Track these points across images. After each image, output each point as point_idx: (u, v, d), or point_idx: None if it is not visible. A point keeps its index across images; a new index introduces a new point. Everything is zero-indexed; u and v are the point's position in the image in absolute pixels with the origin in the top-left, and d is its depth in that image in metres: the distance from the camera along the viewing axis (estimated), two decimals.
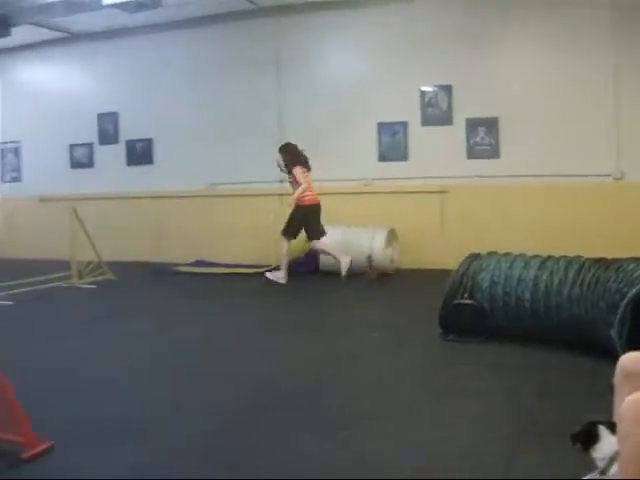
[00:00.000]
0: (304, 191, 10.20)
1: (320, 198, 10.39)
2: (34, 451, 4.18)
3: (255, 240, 11.85)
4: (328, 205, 10.67)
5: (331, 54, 11.78)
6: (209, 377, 5.82)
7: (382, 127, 11.37)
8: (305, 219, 10.31)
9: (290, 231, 10.36)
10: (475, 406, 4.80)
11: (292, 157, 10.43)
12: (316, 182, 10.64)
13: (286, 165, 10.48)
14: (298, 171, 10.26)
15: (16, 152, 15.12)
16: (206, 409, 4.97)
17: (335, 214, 10.84)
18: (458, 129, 10.92)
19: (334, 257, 10.38)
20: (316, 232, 10.37)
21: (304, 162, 10.42)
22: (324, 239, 10.41)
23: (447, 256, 9.30)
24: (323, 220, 10.48)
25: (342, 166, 11.44)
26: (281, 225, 10.46)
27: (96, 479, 3.89)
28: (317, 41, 11.78)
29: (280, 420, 4.70)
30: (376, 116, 11.34)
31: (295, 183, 10.32)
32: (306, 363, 6.11)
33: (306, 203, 10.24)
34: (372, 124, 11.39)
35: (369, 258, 10.32)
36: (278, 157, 10.56)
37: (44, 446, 4.24)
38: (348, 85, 11.45)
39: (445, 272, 7.23)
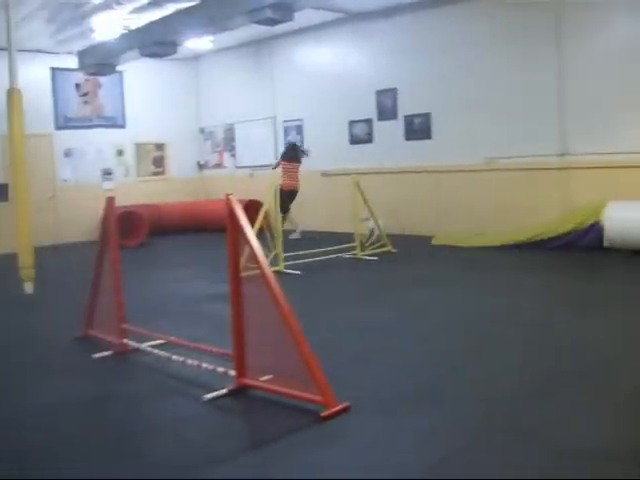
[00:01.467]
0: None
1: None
2: (332, 410, 4.42)
3: (532, 215, 11.58)
4: (613, 179, 10.29)
5: (614, 19, 11.07)
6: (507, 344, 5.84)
7: None
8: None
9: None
10: None
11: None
12: (602, 155, 10.23)
13: None
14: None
15: (299, 129, 15.89)
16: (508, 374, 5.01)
17: (621, 188, 10.38)
18: None
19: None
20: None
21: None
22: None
23: None
24: (593, 195, 10.15)
25: (628, 138, 10.83)
26: (566, 201, 10.13)
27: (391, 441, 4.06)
28: (599, 9, 11.19)
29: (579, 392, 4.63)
30: None
31: None
32: (595, 341, 5.95)
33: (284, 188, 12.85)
34: None
35: None
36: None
37: (341, 406, 4.47)
38: (632, 58, 10.77)
39: None
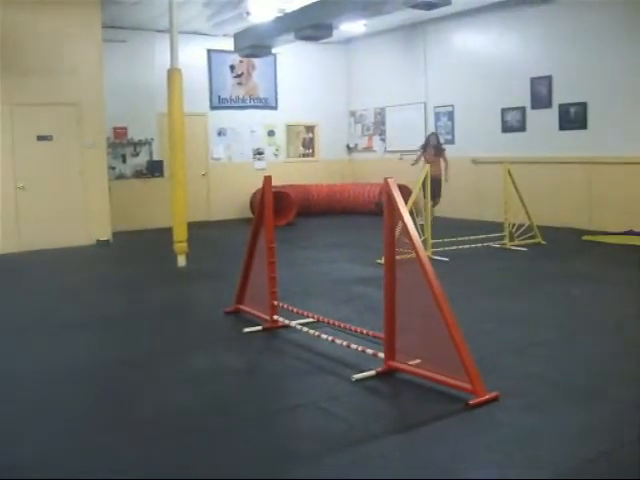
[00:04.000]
0: None
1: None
2: (480, 399, 4.41)
3: None
4: None
5: None
6: None
7: None
8: None
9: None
10: None
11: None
12: None
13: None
14: None
15: (450, 116, 15.75)
16: None
17: None
18: None
19: None
20: None
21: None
22: None
23: None
24: None
25: None
26: None
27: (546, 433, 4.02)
28: None
29: None
30: None
31: None
32: None
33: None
34: None
35: None
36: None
37: (490, 396, 4.46)
38: None
39: None
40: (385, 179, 4.86)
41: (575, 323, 6.51)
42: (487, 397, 4.44)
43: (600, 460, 3.69)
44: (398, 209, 4.80)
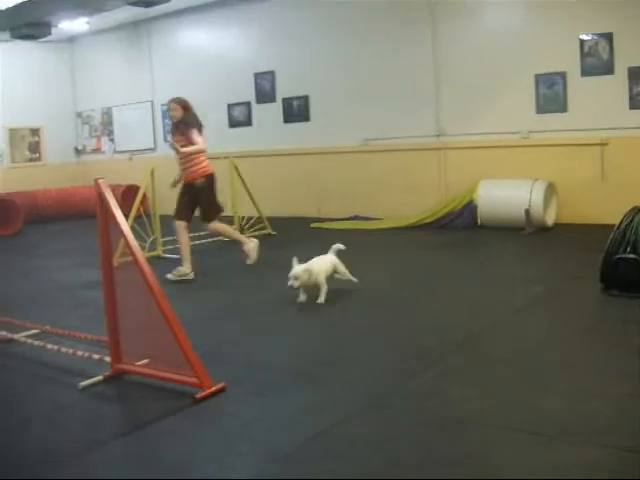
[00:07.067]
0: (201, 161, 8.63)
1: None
2: (207, 392, 4.49)
3: (410, 195, 11.87)
4: (485, 158, 10.71)
5: (487, 3, 11.46)
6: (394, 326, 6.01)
7: (540, 79, 11.05)
8: (202, 193, 8.65)
9: (215, 209, 8.83)
10: None
11: (194, 119, 8.65)
12: (475, 136, 10.70)
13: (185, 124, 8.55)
14: (197, 134, 8.53)
15: None
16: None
17: (493, 168, 10.83)
18: (620, 79, 10.49)
19: (238, 240, 9.14)
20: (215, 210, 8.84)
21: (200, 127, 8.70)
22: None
23: (608, 210, 9.08)
24: (468, 175, 10.53)
25: (499, 119, 11.24)
26: (442, 181, 10.39)
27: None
28: None
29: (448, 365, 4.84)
30: (533, 68, 11.04)
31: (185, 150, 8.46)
32: (468, 314, 6.20)
33: (210, 171, 8.66)
34: (529, 76, 11.09)
35: (527, 212, 10.19)
36: (176, 110, 8.63)
37: (217, 387, 4.55)
38: (504, 36, 11.16)
39: (606, 227, 7.09)
40: (96, 180, 4.77)
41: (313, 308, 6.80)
42: (214, 389, 4.51)
43: (321, 436, 3.88)
44: (111, 211, 4.74)
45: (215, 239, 10.63)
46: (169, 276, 8.35)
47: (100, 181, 4.75)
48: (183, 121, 8.54)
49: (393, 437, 3.82)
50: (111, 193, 4.76)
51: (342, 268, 7.19)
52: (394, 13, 12.10)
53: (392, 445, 3.72)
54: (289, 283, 6.62)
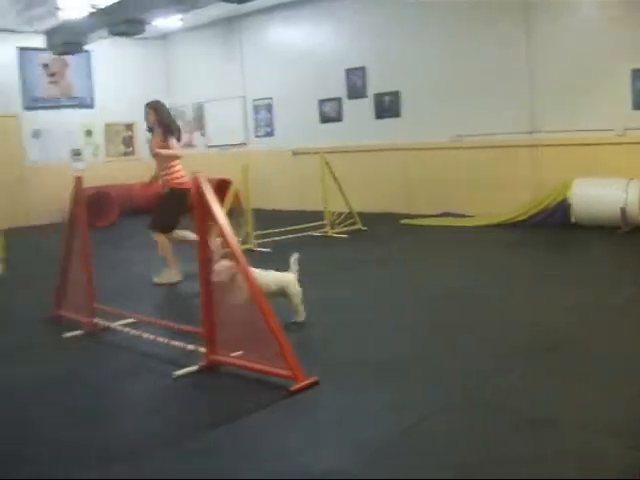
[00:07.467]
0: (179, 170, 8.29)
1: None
2: (300, 385, 4.52)
3: (501, 192, 11.70)
4: (579, 156, 10.50)
5: (582, 1, 11.19)
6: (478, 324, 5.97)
7: (637, 74, 10.73)
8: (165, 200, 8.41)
9: (164, 222, 8.34)
10: None
11: (169, 121, 8.40)
12: (569, 133, 10.46)
13: (153, 128, 8.42)
14: (175, 144, 8.28)
15: (269, 108, 15.89)
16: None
17: (586, 165, 10.56)
18: None
19: (168, 261, 8.40)
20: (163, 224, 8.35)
21: (177, 132, 8.46)
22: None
23: None
24: (561, 172, 10.46)
25: (594, 116, 10.96)
26: (534, 178, 10.15)
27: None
28: None
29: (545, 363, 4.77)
30: (630, 63, 10.72)
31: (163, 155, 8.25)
32: (561, 314, 6.08)
33: (185, 186, 7.87)
34: (626, 71, 10.78)
35: (623, 210, 9.92)
36: (150, 114, 8.41)
37: (309, 381, 4.57)
38: (599, 31, 10.87)
39: None
40: (194, 174, 4.85)
41: (398, 304, 6.78)
42: (307, 382, 4.53)
43: (404, 433, 3.88)
44: (209, 206, 4.81)
45: (301, 235, 10.72)
46: (156, 280, 8.26)
47: (198, 176, 4.83)
48: (158, 124, 8.33)
49: (475, 435, 3.80)
50: (210, 188, 4.83)
51: (293, 290, 6.04)
52: (488, 11, 11.91)
53: (473, 444, 3.70)
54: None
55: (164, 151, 8.19)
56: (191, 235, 7.77)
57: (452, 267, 7.89)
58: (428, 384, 4.60)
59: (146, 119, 8.48)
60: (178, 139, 8.40)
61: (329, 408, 4.30)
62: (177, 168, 8.26)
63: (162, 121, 8.30)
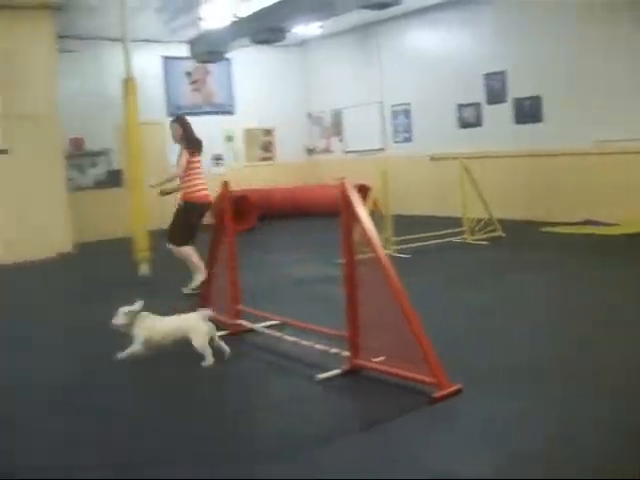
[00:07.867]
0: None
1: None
2: (444, 392, 4.47)
3: None
4: None
5: None
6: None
7: None
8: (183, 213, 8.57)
9: (181, 235, 8.51)
10: None
11: (191, 135, 8.54)
12: None
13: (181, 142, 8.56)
14: (185, 154, 8.39)
15: (407, 114, 15.86)
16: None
17: None
18: None
19: (195, 270, 8.40)
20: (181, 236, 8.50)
21: (198, 146, 8.52)
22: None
23: None
24: None
25: None
26: None
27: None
28: None
29: None
30: None
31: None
32: None
33: (196, 200, 8.40)
34: None
35: None
36: (176, 129, 8.54)
37: (453, 388, 4.52)
38: None
39: None
40: (341, 180, 4.90)
41: (538, 312, 6.62)
42: (451, 390, 4.50)
43: (545, 441, 3.82)
44: (354, 210, 4.84)
45: (440, 241, 10.65)
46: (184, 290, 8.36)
47: (345, 181, 4.88)
48: (183, 138, 8.54)
49: (618, 446, 3.69)
50: (355, 193, 4.86)
51: (199, 341, 5.52)
52: (632, 14, 11.49)
53: (615, 454, 3.60)
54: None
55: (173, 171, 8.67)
56: (195, 259, 8.31)
57: (596, 280, 7.62)
58: (570, 389, 4.51)
59: (173, 135, 8.62)
60: (197, 153, 8.51)
61: (472, 416, 4.25)
62: (194, 182, 8.42)
63: (186, 136, 8.50)
